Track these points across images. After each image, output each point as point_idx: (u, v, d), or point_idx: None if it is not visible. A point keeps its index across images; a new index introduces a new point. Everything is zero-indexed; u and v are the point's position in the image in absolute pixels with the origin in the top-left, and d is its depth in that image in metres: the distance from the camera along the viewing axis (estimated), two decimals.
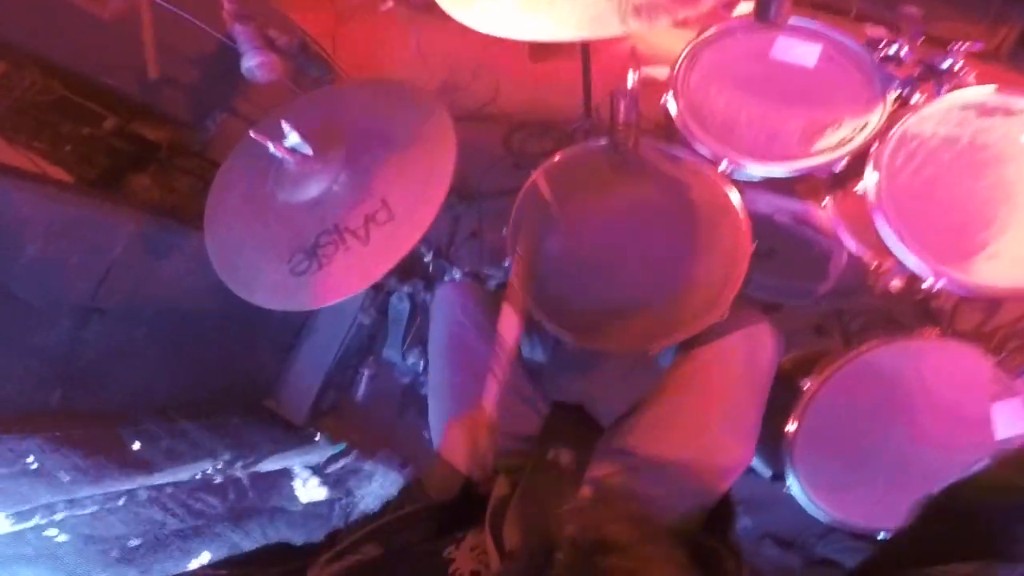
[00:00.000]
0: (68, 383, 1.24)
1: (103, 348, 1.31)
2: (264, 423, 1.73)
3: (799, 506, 0.99)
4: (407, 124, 0.83)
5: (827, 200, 1.09)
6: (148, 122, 1.54)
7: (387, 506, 0.63)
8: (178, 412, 1.54)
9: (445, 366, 0.89)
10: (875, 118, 0.99)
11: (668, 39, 1.70)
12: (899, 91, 1.03)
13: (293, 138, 0.76)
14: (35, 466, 1.04)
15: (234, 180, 0.90)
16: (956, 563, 0.39)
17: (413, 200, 0.75)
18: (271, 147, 0.75)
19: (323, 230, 0.76)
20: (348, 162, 0.80)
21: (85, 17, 1.36)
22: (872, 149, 0.97)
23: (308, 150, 0.77)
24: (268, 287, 0.78)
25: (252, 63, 0.89)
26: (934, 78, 1.02)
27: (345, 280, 0.73)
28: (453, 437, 0.64)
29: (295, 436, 1.74)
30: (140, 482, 1.23)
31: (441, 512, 0.60)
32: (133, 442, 1.29)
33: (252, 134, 0.74)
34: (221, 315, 1.52)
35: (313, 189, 0.78)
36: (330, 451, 1.72)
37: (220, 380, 1.67)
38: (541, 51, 1.88)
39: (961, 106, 0.97)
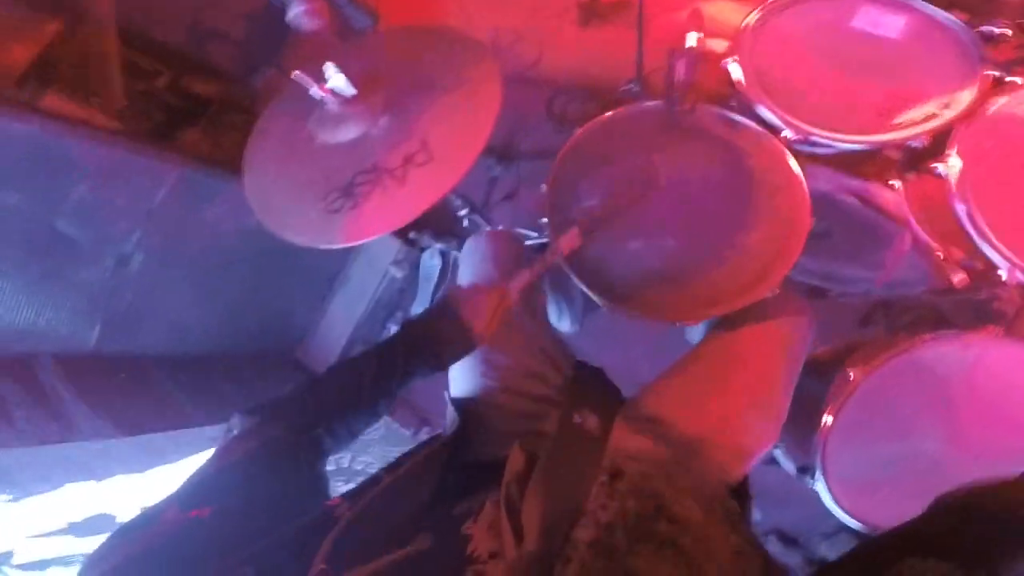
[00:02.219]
0: (107, 320, 1.28)
1: (142, 288, 1.34)
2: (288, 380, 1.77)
3: (813, 505, 0.96)
4: (451, 69, 0.81)
5: (897, 181, 1.01)
6: (199, 78, 1.56)
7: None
8: (208, 363, 1.58)
9: None
10: (965, 97, 0.91)
11: (727, 11, 1.61)
12: (995, 72, 0.93)
13: (336, 79, 0.74)
14: None
15: (275, 125, 0.89)
16: (938, 560, 0.38)
17: (453, 143, 0.73)
18: (313, 88, 0.73)
19: (361, 169, 0.75)
20: (389, 104, 0.78)
21: None
22: (957, 129, 0.89)
23: (351, 91, 0.75)
24: (301, 225, 0.77)
25: (299, 9, 0.88)
26: None
27: (379, 218, 0.72)
28: (480, 299, 0.68)
29: None
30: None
31: (457, 476, 0.59)
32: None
33: (295, 75, 0.73)
34: (258, 261, 1.55)
35: (353, 130, 0.77)
36: None
37: (254, 327, 1.71)
38: (591, 16, 1.81)
39: None
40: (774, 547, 1.57)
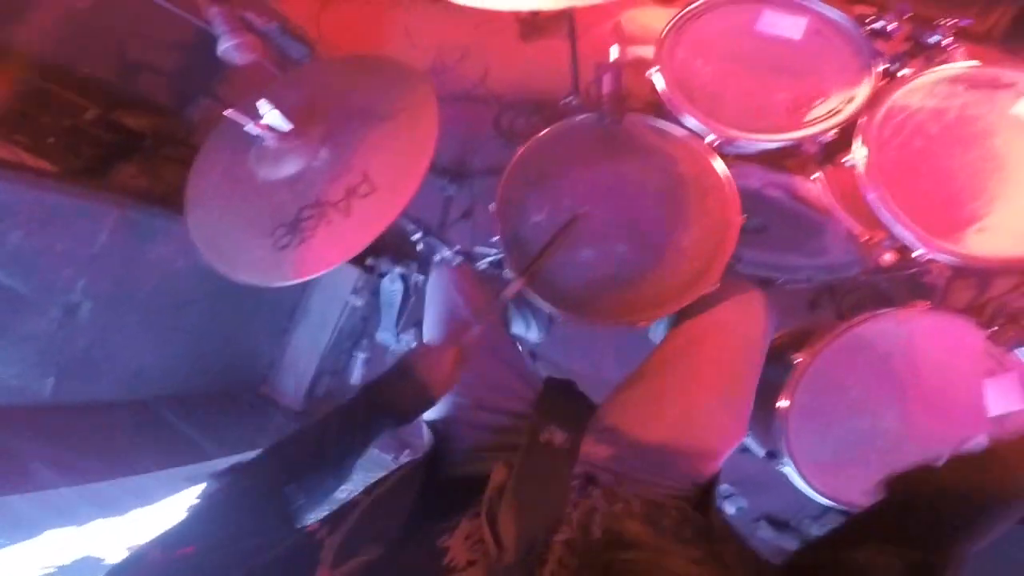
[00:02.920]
0: (62, 370, 1.24)
1: (95, 336, 1.31)
2: (258, 416, 1.74)
3: (795, 487, 0.98)
4: (388, 97, 0.82)
5: (818, 174, 1.08)
6: (130, 111, 1.53)
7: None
8: (172, 406, 1.54)
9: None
10: (863, 90, 0.98)
11: (655, 18, 1.69)
12: (887, 65, 1.02)
13: (271, 115, 0.74)
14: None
15: (214, 162, 0.89)
16: (877, 549, 0.40)
17: (395, 172, 0.74)
18: (248, 126, 0.74)
19: (305, 204, 0.75)
20: (328, 137, 0.79)
21: (60, 5, 1.34)
22: (860, 122, 0.96)
23: (286, 126, 0.75)
24: (251, 263, 0.77)
25: (228, 44, 0.88)
26: (922, 53, 1.02)
27: (328, 253, 0.73)
28: (434, 356, 0.70)
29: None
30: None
31: (433, 494, 0.61)
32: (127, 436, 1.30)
33: (228, 114, 0.73)
34: (213, 299, 1.52)
35: (293, 165, 0.77)
36: None
37: (216, 366, 1.67)
38: (531, 31, 1.86)
39: (949, 79, 0.96)
40: (766, 533, 1.58)
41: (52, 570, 1.06)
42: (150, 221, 1.32)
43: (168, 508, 1.25)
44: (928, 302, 0.98)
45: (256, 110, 0.76)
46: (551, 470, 0.60)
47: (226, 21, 0.88)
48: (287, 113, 0.77)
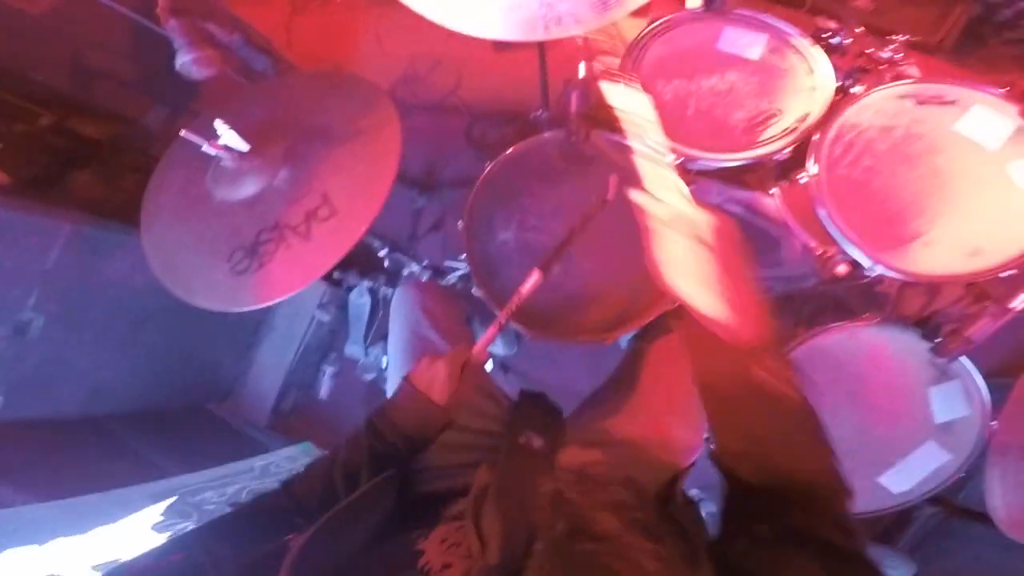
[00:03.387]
0: (11, 388, 1.20)
1: (46, 353, 1.26)
2: (222, 432, 1.69)
3: None
4: (350, 117, 0.81)
5: (775, 189, 1.12)
6: (86, 119, 1.47)
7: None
8: (132, 422, 1.49)
9: (407, 362, 0.88)
10: (817, 108, 1.01)
11: (626, 30, 1.71)
12: (843, 82, 1.04)
13: (228, 135, 0.73)
14: None
15: (171, 179, 0.86)
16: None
17: (355, 196, 0.73)
18: (204, 146, 0.72)
19: (263, 227, 0.74)
20: (288, 158, 0.77)
21: (12, 12, 1.29)
22: (813, 140, 0.99)
23: (244, 147, 0.74)
24: (208, 287, 0.75)
25: (186, 58, 0.85)
26: (875, 69, 1.04)
27: (287, 278, 0.71)
28: (434, 368, 0.66)
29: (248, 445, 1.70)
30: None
31: (403, 508, 0.60)
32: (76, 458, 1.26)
33: (183, 134, 0.71)
34: (173, 315, 1.48)
35: (252, 186, 0.76)
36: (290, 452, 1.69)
37: (177, 382, 1.62)
38: (504, 42, 1.86)
39: (898, 96, 0.99)
40: None
41: None
42: (105, 236, 1.28)
43: (131, 526, 1.20)
44: (879, 313, 1.02)
45: (213, 128, 0.74)
46: (532, 471, 0.60)
47: (184, 34, 0.85)
48: (246, 131, 0.75)
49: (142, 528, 1.20)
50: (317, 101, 0.87)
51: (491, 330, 0.72)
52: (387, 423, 0.66)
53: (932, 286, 1.47)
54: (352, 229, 0.70)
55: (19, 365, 1.20)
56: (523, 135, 1.06)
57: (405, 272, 1.45)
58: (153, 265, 0.80)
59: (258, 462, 1.60)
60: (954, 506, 1.24)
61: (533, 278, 0.74)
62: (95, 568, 1.07)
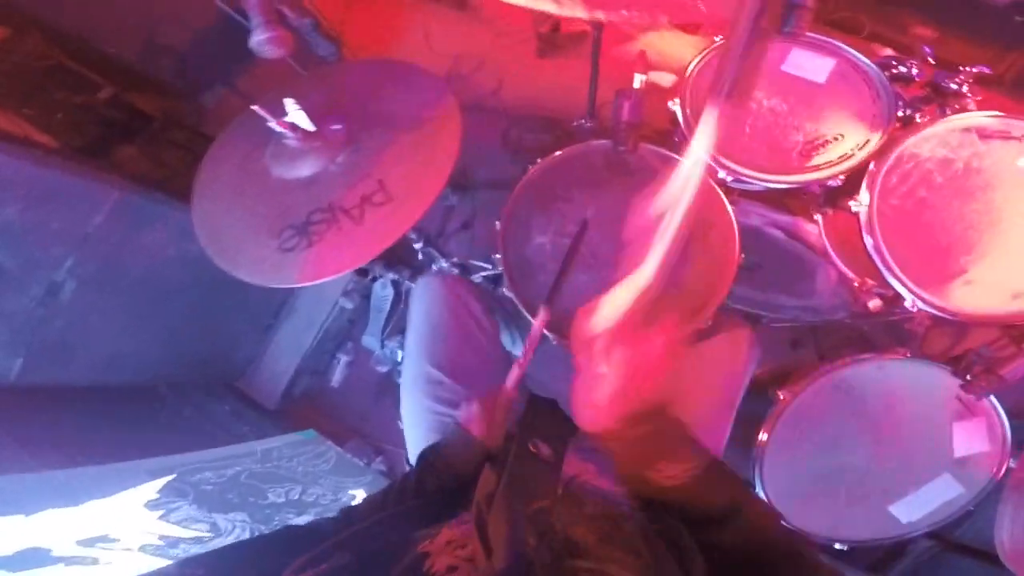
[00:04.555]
0: (32, 352, 1.20)
1: (73, 317, 1.27)
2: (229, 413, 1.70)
3: None
4: (412, 107, 0.82)
5: (818, 216, 1.11)
6: (144, 92, 1.50)
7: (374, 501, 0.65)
8: (141, 395, 1.50)
9: (423, 354, 0.88)
10: (877, 136, 0.99)
11: (677, 47, 1.72)
12: (904, 111, 1.03)
13: (296, 114, 0.74)
14: None
15: (229, 153, 0.87)
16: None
17: (412, 184, 0.74)
18: (272, 122, 0.73)
19: (316, 208, 0.74)
20: (349, 141, 0.78)
21: None
22: (870, 169, 0.97)
23: (310, 126, 0.75)
24: (253, 262, 0.76)
25: (263, 37, 0.85)
26: (939, 100, 1.02)
27: (334, 259, 0.72)
28: (474, 411, 0.69)
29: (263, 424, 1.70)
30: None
31: (422, 508, 0.60)
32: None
33: (255, 108, 0.72)
34: (200, 290, 1.49)
35: (310, 166, 0.77)
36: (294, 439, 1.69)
37: (193, 357, 1.63)
38: (548, 48, 1.87)
39: (962, 128, 0.97)
40: None
41: None
42: (150, 206, 1.29)
43: (126, 501, 1.20)
44: (907, 349, 1.01)
45: (280, 106, 0.75)
46: (538, 478, 0.60)
47: (263, 12, 0.86)
48: (310, 113, 0.76)
49: (135, 505, 1.19)
50: (380, 89, 0.88)
51: (516, 372, 0.76)
52: (439, 458, 0.69)
53: (961, 327, 1.45)
54: (405, 217, 0.71)
55: (44, 328, 1.20)
56: (561, 143, 1.06)
57: (434, 268, 1.45)
58: (200, 234, 0.80)
59: (260, 446, 1.60)
60: (951, 541, 1.22)
61: (540, 315, 0.77)
62: (79, 543, 1.06)
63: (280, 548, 0.56)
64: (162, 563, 0.54)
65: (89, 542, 1.06)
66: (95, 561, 1.03)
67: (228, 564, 0.52)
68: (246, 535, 1.30)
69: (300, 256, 0.72)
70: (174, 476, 1.29)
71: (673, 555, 0.46)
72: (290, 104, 0.73)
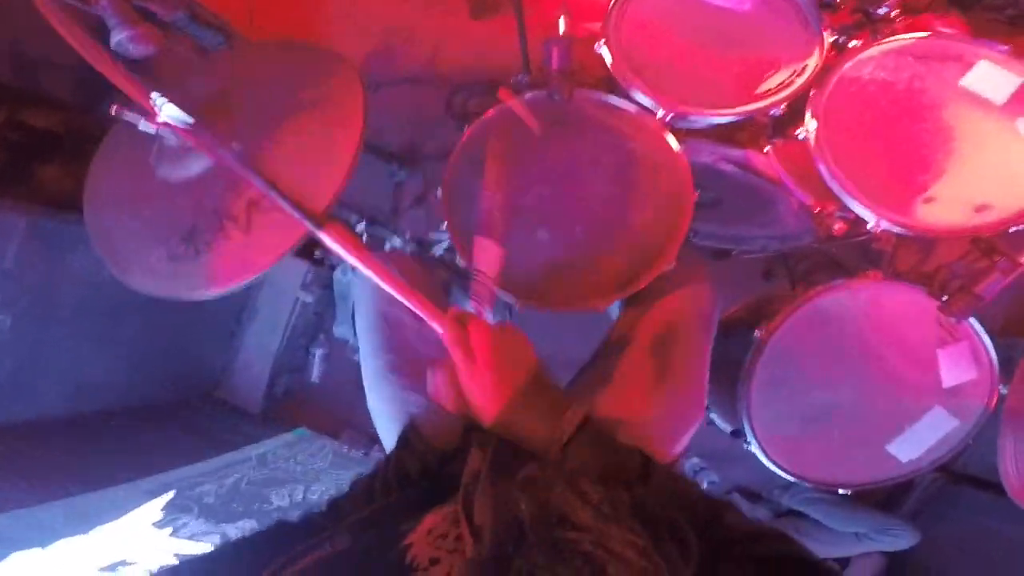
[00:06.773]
0: None
1: (22, 352, 1.23)
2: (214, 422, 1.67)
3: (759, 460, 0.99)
4: (309, 94, 0.73)
5: (768, 147, 1.06)
6: (39, 109, 1.39)
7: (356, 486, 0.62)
8: (122, 418, 1.47)
9: (374, 344, 0.84)
10: (813, 62, 0.97)
11: None
12: (836, 37, 1.00)
13: (168, 109, 0.66)
14: None
15: (116, 158, 0.80)
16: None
17: (305, 184, 0.64)
18: (142, 123, 0.66)
19: (200, 214, 0.67)
20: (236, 137, 0.70)
21: None
22: (811, 94, 0.94)
23: (188, 121, 0.67)
24: (144, 271, 0.70)
25: (121, 36, 0.77)
26: (870, 26, 1.02)
27: (223, 271, 0.65)
28: (439, 379, 0.64)
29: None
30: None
31: (407, 498, 0.57)
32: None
33: (115, 112, 0.65)
34: (150, 306, 1.42)
35: (194, 167, 0.69)
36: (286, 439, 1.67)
37: (163, 374, 1.59)
38: (480, 9, 1.78)
39: (898, 51, 0.96)
40: (741, 505, 1.62)
41: None
42: (67, 229, 1.22)
43: (132, 524, 1.19)
44: (879, 271, 0.98)
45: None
46: (524, 454, 0.57)
47: (116, 12, 0.78)
48: (192, 106, 0.68)
49: (143, 525, 1.19)
50: (273, 73, 0.79)
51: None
52: (415, 435, 0.64)
53: (927, 242, 1.43)
54: (297, 223, 0.62)
55: None
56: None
57: (387, 247, 1.39)
58: (96, 245, 0.74)
59: (254, 451, 1.59)
60: (956, 473, 1.23)
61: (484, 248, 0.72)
62: (102, 570, 1.05)
63: (275, 543, 0.52)
64: None
65: (111, 567, 1.07)
66: None
67: (226, 565, 0.50)
68: None
69: (190, 267, 0.65)
70: (174, 493, 1.28)
71: (672, 537, 0.45)
72: (158, 99, 0.65)
